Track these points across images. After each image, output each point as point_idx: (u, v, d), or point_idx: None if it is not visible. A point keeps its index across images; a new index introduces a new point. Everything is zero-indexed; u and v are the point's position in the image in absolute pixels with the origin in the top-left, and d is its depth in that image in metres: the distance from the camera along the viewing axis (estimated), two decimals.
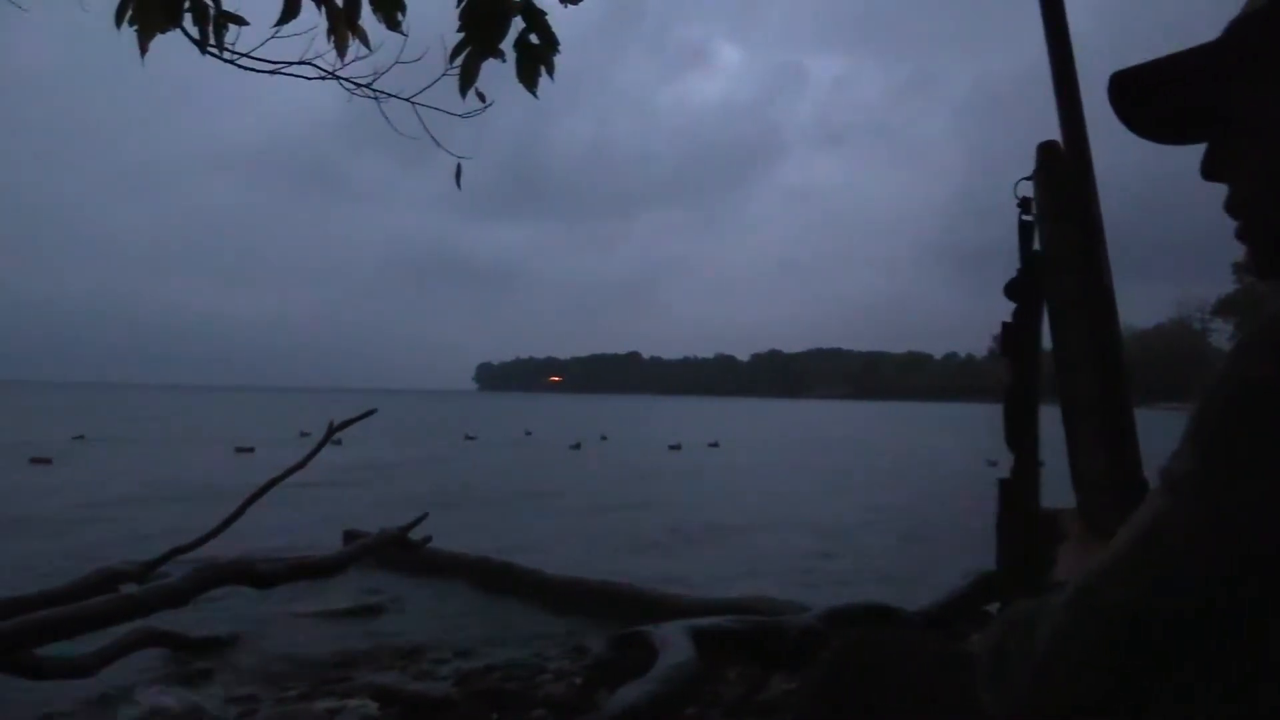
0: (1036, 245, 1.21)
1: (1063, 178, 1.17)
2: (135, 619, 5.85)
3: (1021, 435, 1.25)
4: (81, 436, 33.86)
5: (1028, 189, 1.21)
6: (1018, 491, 1.25)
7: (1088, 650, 0.84)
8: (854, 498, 19.54)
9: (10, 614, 5.08)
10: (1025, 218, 1.21)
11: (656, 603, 7.53)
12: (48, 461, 24.83)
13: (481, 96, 3.03)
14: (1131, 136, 1.00)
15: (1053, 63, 1.18)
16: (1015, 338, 1.23)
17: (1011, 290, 1.23)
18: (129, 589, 5.92)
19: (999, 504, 1.26)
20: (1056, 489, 1.30)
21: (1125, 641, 0.82)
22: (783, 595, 7.52)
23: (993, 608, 5.77)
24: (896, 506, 17.80)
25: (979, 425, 61.63)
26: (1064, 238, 1.16)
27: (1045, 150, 1.18)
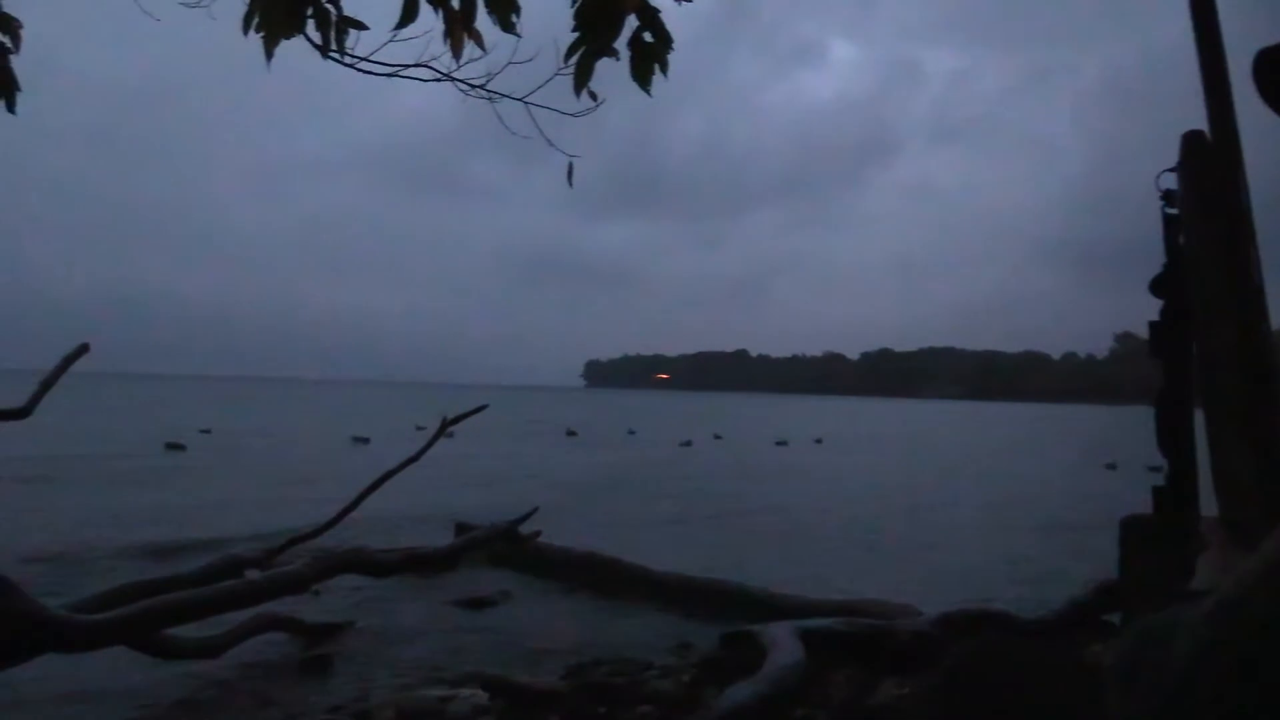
0: (1181, 239, 1.15)
1: (1209, 169, 1.11)
2: (259, 604, 6.10)
3: (1175, 440, 1.19)
4: (208, 430, 35.33)
5: (1171, 181, 1.15)
6: (1174, 499, 1.19)
7: (1231, 667, 0.80)
8: (966, 501, 19.07)
9: (145, 596, 5.35)
10: (1169, 211, 1.15)
11: (763, 602, 7.49)
12: (181, 448, 26.05)
13: (593, 95, 3.05)
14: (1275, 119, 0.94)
15: (1200, 49, 1.12)
16: (1165, 337, 1.17)
17: (1158, 286, 1.17)
18: (253, 575, 6.17)
19: (1154, 512, 1.20)
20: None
21: (1272, 659, 0.78)
22: (892, 598, 7.39)
23: (1114, 618, 5.57)
24: (1011, 510, 17.29)
25: (1099, 428, 59.50)
26: (1210, 233, 1.10)
27: (1191, 140, 1.12)
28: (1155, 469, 1.23)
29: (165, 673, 5.94)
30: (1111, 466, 25.75)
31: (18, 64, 3.27)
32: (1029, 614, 6.14)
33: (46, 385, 5.68)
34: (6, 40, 3.27)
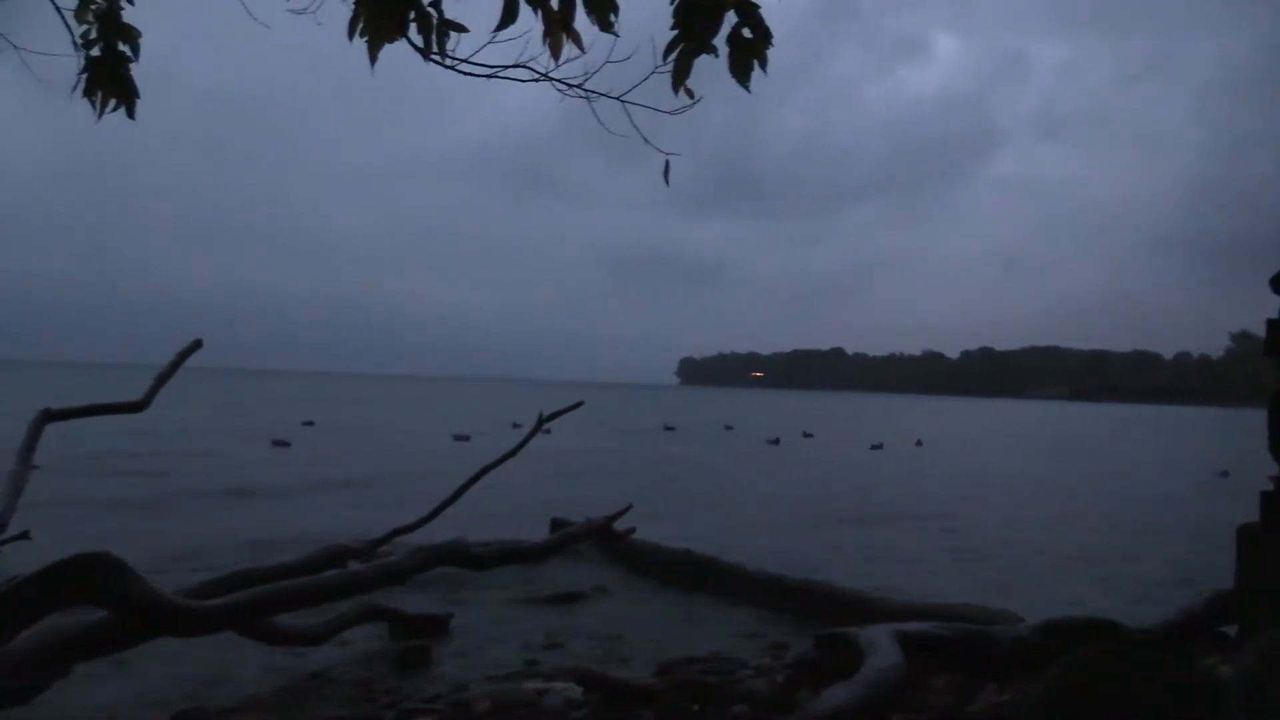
0: None
1: None
2: (361, 594, 6.24)
3: None
4: (311, 422, 36.37)
5: None
6: None
7: None
8: (1071, 504, 18.54)
9: (251, 584, 5.53)
10: None
11: (859, 604, 7.38)
12: (286, 444, 26.98)
13: (690, 93, 3.04)
14: None
15: None
16: None
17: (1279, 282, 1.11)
18: (355, 565, 6.33)
19: (1261, 519, 1.15)
20: None
21: None
22: (994, 603, 7.22)
23: (1229, 629, 5.33)
24: (1119, 516, 16.74)
25: (1213, 432, 57.07)
26: None
27: None
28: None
29: (269, 659, 6.14)
30: (1224, 474, 24.68)
31: (137, 72, 3.41)
32: (1137, 623, 5.91)
33: (162, 379, 5.92)
34: (127, 50, 3.41)
